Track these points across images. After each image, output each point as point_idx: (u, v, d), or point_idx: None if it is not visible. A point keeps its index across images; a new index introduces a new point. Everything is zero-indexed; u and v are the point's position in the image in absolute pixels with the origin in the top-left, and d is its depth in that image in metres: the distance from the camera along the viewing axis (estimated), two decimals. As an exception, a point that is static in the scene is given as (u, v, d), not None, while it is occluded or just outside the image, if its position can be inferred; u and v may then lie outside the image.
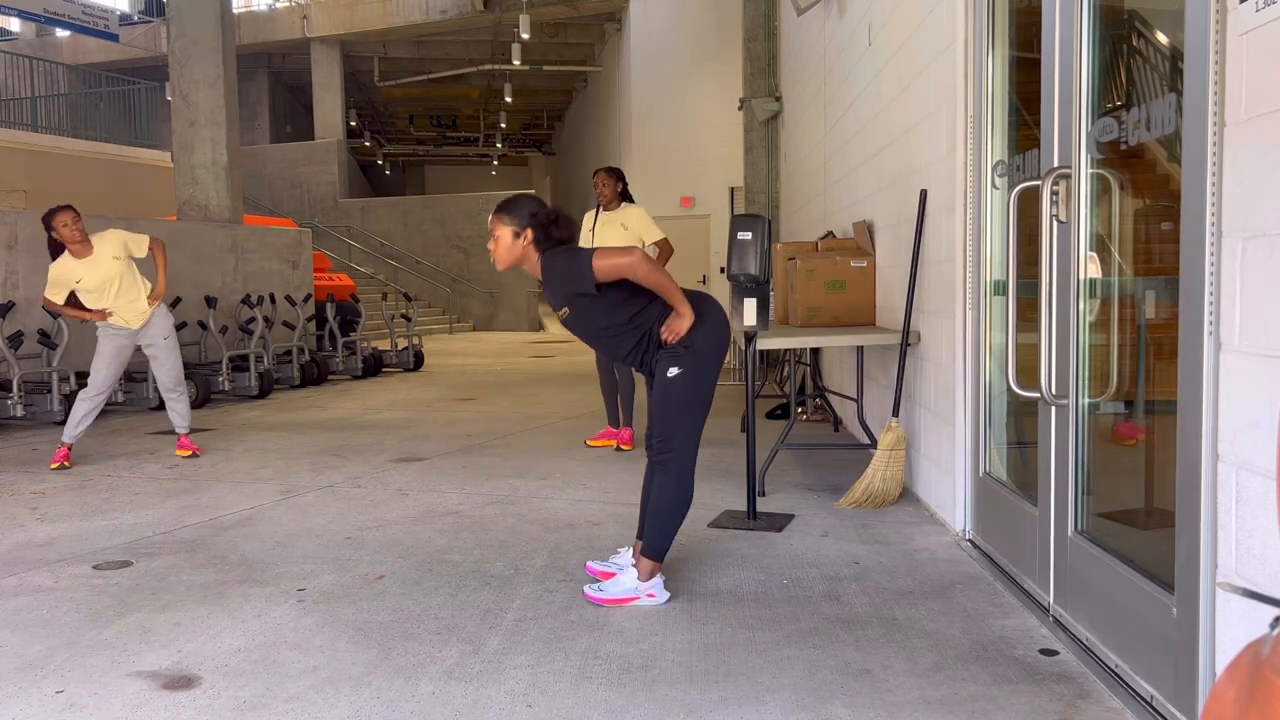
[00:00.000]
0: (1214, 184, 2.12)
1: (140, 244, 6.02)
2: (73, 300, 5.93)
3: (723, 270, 14.92)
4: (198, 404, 8.76)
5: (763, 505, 4.63)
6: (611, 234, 6.17)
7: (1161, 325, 2.51)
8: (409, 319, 12.43)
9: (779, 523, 4.30)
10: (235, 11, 17.11)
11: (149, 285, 6.09)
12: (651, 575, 3.33)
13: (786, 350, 7.24)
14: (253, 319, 9.99)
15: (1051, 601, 3.05)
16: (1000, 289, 3.63)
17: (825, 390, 6.92)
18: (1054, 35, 2.97)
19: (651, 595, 3.32)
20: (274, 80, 26.11)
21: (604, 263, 3.18)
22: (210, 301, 9.96)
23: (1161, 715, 2.33)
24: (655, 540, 3.32)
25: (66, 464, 5.96)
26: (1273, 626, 0.83)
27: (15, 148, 15.93)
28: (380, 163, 35.89)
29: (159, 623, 3.19)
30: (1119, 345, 2.79)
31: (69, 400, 7.61)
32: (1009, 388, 3.11)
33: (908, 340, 4.60)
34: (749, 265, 4.18)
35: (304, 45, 23.05)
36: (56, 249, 5.86)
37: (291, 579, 3.64)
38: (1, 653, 2.95)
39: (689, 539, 4.08)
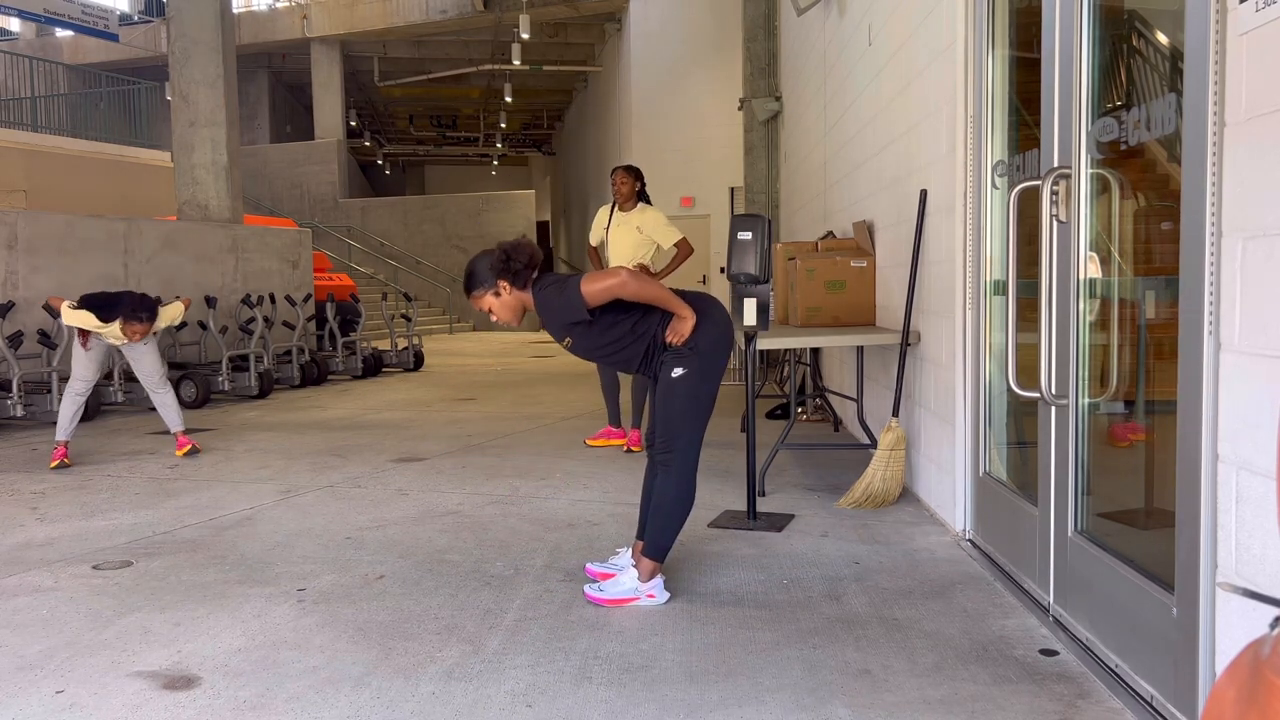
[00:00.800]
0: (1214, 184, 2.12)
1: (176, 317, 6.25)
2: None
3: (723, 270, 14.91)
4: (197, 404, 8.76)
5: (763, 505, 4.63)
6: (625, 236, 6.16)
7: (1161, 325, 2.51)
8: (409, 319, 12.44)
9: (779, 523, 4.30)
10: (235, 11, 17.11)
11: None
12: (652, 575, 3.33)
13: (786, 350, 7.25)
14: (253, 319, 9.99)
15: (1051, 601, 3.05)
16: (1000, 289, 3.63)
17: (825, 390, 6.92)
18: (1054, 35, 2.97)
19: (651, 596, 3.32)
20: (274, 80, 26.10)
21: (592, 287, 3.17)
22: (210, 301, 9.96)
23: (1161, 715, 2.33)
24: (657, 539, 3.32)
25: (66, 461, 5.96)
26: (1273, 626, 0.83)
27: (15, 148, 15.93)
28: (380, 163, 35.89)
29: (159, 623, 3.19)
30: (1119, 345, 2.79)
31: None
32: (1009, 388, 3.11)
33: (908, 340, 4.60)
34: (749, 265, 4.18)
35: (304, 45, 23.05)
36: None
37: (291, 579, 3.64)
38: (1, 653, 2.95)
39: (689, 539, 4.08)
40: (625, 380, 6.47)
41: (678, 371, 3.27)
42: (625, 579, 3.35)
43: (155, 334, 6.21)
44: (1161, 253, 2.51)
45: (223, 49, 11.32)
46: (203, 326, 9.87)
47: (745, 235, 4.19)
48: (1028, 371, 3.22)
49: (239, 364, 9.64)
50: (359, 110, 28.81)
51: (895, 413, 4.67)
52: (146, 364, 6.14)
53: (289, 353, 10.56)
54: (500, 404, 8.87)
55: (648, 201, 6.29)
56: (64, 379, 7.67)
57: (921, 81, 4.45)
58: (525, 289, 3.31)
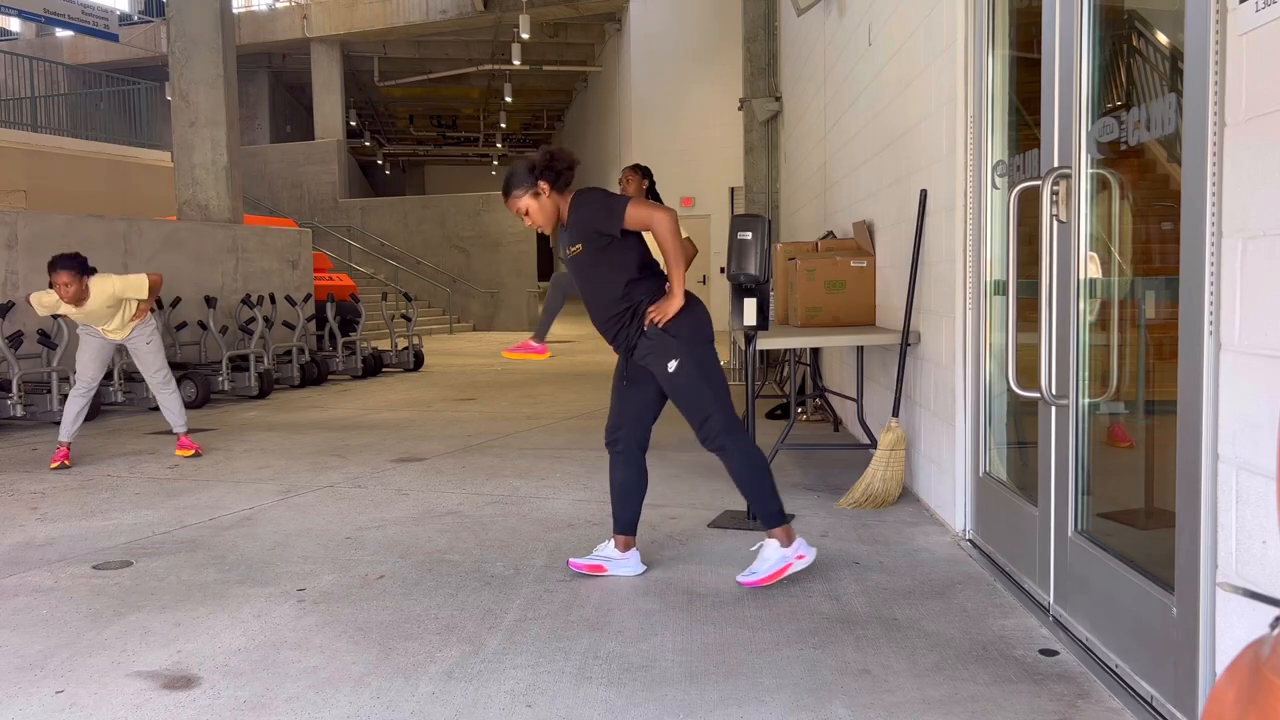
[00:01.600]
0: (1214, 184, 2.12)
1: (140, 288, 5.97)
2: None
3: (723, 270, 14.91)
4: (197, 404, 8.76)
5: (763, 505, 4.63)
6: None
7: (1161, 325, 2.51)
8: (409, 319, 12.43)
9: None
10: (235, 11, 17.11)
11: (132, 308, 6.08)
12: (790, 539, 3.36)
13: (786, 350, 7.25)
14: (253, 319, 9.99)
15: (1051, 601, 3.05)
16: (1000, 289, 3.63)
17: (825, 390, 6.92)
18: (1054, 35, 2.97)
19: (801, 556, 3.36)
20: (274, 80, 26.11)
21: (638, 210, 3.25)
22: (210, 301, 9.96)
23: (1161, 715, 2.33)
24: (764, 510, 3.37)
25: (66, 463, 5.96)
26: (1273, 626, 0.83)
27: (15, 148, 15.93)
28: (380, 163, 35.90)
29: (159, 623, 3.19)
30: (1119, 345, 2.79)
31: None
32: (1009, 388, 3.11)
33: (908, 340, 4.60)
34: (749, 265, 4.18)
35: (304, 45, 23.06)
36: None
37: (291, 579, 3.64)
38: (1, 653, 2.95)
39: (689, 539, 4.08)
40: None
41: (671, 365, 3.31)
42: (770, 552, 3.37)
43: (157, 326, 6.20)
44: (1161, 253, 2.51)
45: (223, 49, 11.32)
46: (203, 326, 9.86)
47: (745, 235, 4.18)
48: (1028, 371, 3.22)
49: (239, 364, 9.64)
50: (359, 110, 28.83)
51: (895, 413, 4.67)
52: (149, 361, 6.14)
53: (289, 353, 10.55)
54: (500, 404, 8.87)
55: (658, 199, 6.28)
56: (64, 379, 7.67)
57: (921, 81, 4.45)
58: (565, 195, 3.34)
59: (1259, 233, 1.97)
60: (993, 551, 3.65)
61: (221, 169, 11.41)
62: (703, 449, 3.57)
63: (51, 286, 5.75)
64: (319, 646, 2.96)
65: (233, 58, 11.61)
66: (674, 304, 3.28)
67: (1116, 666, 2.59)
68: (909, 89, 4.71)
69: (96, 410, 8.16)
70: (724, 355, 3.56)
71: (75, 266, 5.72)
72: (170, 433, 7.00)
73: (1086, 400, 2.88)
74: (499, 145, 35.39)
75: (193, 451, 6.28)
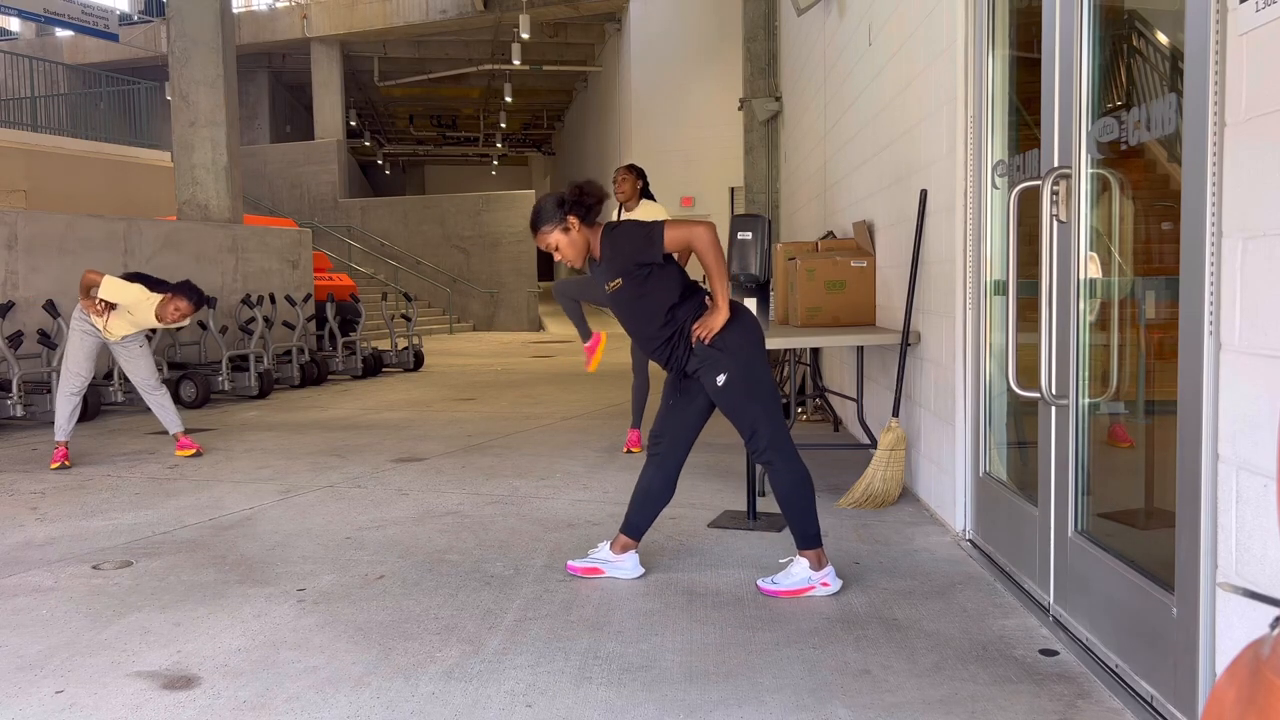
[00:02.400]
0: (1214, 184, 2.12)
1: (128, 298, 5.95)
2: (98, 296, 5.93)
3: (723, 270, 14.87)
4: (197, 404, 8.76)
5: (762, 505, 4.63)
6: None
7: (1161, 325, 2.51)
8: (409, 319, 12.44)
9: (779, 523, 4.30)
10: (235, 11, 17.11)
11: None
12: (821, 564, 3.34)
13: (786, 350, 7.24)
14: (253, 319, 9.99)
15: (1051, 601, 3.05)
16: (1000, 289, 3.63)
17: (825, 390, 6.92)
18: (1054, 35, 2.97)
19: (826, 584, 3.32)
20: (274, 80, 26.11)
21: (676, 231, 3.23)
22: (210, 301, 9.95)
23: (1161, 715, 2.33)
24: (802, 529, 3.35)
25: (66, 463, 5.96)
26: (1273, 626, 0.83)
27: (15, 148, 15.93)
28: (380, 163, 35.90)
29: (159, 623, 3.19)
30: (1119, 345, 2.79)
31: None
32: (1009, 388, 3.11)
33: (908, 340, 4.60)
34: (749, 265, 4.19)
35: (304, 45, 23.05)
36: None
37: (291, 579, 3.64)
38: (1, 653, 2.95)
39: (688, 539, 4.08)
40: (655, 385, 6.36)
41: (720, 379, 3.29)
42: (798, 569, 3.34)
43: (151, 336, 6.20)
44: (1161, 253, 2.51)
45: (223, 49, 11.32)
46: (203, 326, 9.86)
47: (745, 235, 4.19)
48: (1028, 371, 3.22)
49: (239, 364, 9.64)
50: (359, 110, 28.82)
51: (895, 413, 4.67)
52: (139, 367, 6.13)
53: (289, 353, 10.55)
54: (500, 404, 8.86)
55: (651, 198, 6.27)
56: (60, 379, 7.67)
57: (921, 81, 4.45)
58: (595, 229, 3.31)
59: (1259, 233, 1.97)
60: (993, 551, 3.65)
61: (221, 169, 11.41)
62: (705, 449, 3.57)
63: (166, 302, 5.78)
64: (319, 646, 2.96)
65: (233, 58, 11.61)
66: (719, 318, 3.25)
67: (1116, 666, 2.59)
68: (909, 89, 4.71)
69: (96, 410, 8.16)
70: (765, 346, 3.55)
71: (196, 302, 5.87)
72: (169, 434, 6.99)
73: (1086, 400, 2.88)
74: (499, 145, 35.39)
75: (193, 451, 6.28)
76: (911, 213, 4.66)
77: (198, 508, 4.84)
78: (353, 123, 27.63)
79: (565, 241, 3.30)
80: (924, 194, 4.39)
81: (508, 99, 23.61)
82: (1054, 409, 2.99)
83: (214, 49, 11.26)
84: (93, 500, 5.06)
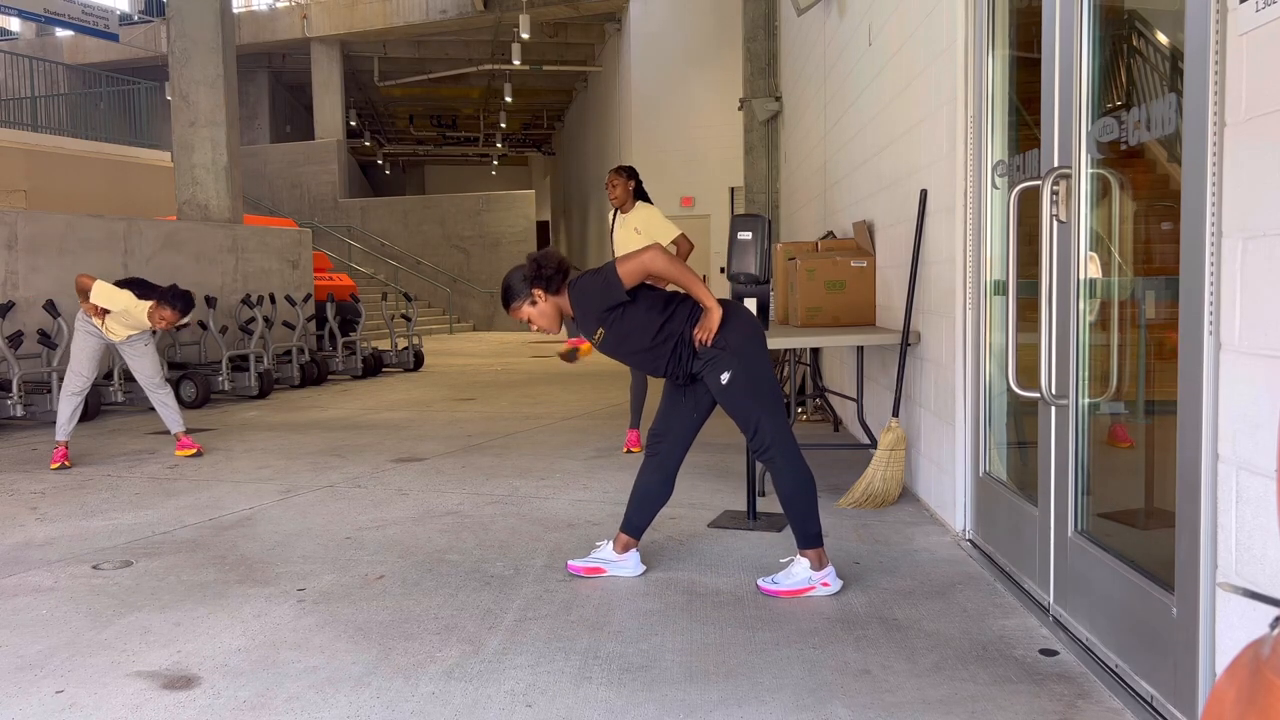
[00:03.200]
0: (1214, 184, 2.12)
1: (145, 320, 6.02)
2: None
3: (723, 270, 14.92)
4: (197, 404, 8.76)
5: (762, 505, 4.63)
6: (625, 238, 6.14)
7: (1161, 325, 2.51)
8: (409, 319, 12.44)
9: (779, 523, 4.30)
10: (235, 11, 17.11)
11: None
12: (822, 563, 3.35)
13: (786, 350, 7.24)
14: (253, 319, 10.00)
15: (1051, 601, 3.05)
16: (1000, 289, 3.63)
17: (825, 390, 6.92)
18: (1054, 35, 2.97)
19: (826, 584, 3.34)
20: (274, 80, 26.11)
21: (626, 266, 3.27)
22: (210, 301, 9.96)
23: (1161, 715, 2.33)
24: (803, 528, 3.37)
25: (67, 464, 5.97)
26: (1273, 626, 0.83)
27: (15, 148, 15.93)
28: (380, 163, 35.90)
29: (159, 623, 3.19)
30: (1119, 345, 2.79)
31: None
32: (1009, 388, 3.11)
33: (907, 340, 4.60)
34: (749, 265, 4.19)
35: (304, 45, 23.06)
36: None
37: (291, 579, 3.64)
38: (1, 653, 2.95)
39: (689, 539, 4.08)
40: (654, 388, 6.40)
41: (725, 377, 3.31)
42: (798, 569, 3.36)
43: (155, 334, 6.20)
44: (1161, 253, 2.51)
45: (223, 49, 11.32)
46: (203, 326, 9.87)
47: (745, 235, 4.19)
48: (1028, 371, 3.22)
49: (239, 364, 9.64)
50: (359, 110, 28.82)
51: (895, 413, 4.67)
52: (144, 365, 6.14)
53: (289, 353, 10.56)
54: (500, 404, 8.87)
55: (646, 200, 6.27)
56: (64, 379, 7.67)
57: (921, 81, 4.45)
58: (560, 294, 3.37)
59: (1259, 233, 1.97)
60: (993, 551, 3.65)
61: (221, 169, 11.41)
62: (705, 449, 3.57)
63: (152, 310, 5.79)
64: (319, 646, 2.96)
65: (233, 58, 11.61)
66: (713, 318, 3.29)
67: (1116, 666, 2.59)
68: (909, 89, 4.71)
69: (96, 410, 8.16)
70: (765, 344, 3.56)
71: (184, 308, 5.87)
72: (169, 433, 7.00)
73: (1086, 400, 2.88)
74: (499, 145, 35.38)
75: (193, 451, 6.28)
76: (911, 213, 4.66)
77: (198, 508, 4.84)
78: (353, 123, 27.63)
79: (536, 313, 3.39)
80: (924, 194, 4.39)
81: (508, 99, 23.61)
82: (1054, 409, 2.99)
83: (214, 49, 11.26)
84: (93, 500, 5.06)
